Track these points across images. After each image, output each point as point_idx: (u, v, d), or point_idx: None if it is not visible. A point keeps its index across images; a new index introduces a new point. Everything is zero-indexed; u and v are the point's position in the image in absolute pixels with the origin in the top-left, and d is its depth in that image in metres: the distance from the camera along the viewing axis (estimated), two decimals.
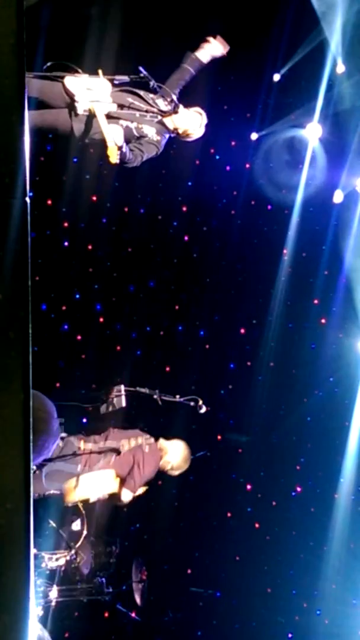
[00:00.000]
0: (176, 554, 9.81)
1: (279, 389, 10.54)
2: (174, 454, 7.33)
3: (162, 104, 6.09)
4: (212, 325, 10.66)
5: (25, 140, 2.63)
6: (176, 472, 7.40)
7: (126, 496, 7.05)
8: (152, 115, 6.01)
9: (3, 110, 2.61)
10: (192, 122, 6.21)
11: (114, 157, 5.50)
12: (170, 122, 6.13)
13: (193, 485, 10.42)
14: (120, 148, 5.60)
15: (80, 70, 5.85)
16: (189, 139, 6.36)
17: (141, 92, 6.06)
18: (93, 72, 5.88)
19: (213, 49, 6.44)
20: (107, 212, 10.04)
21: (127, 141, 5.89)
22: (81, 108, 5.77)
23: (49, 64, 5.75)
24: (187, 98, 6.37)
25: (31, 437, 2.56)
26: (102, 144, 5.58)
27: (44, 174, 9.25)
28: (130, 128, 5.95)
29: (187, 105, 6.24)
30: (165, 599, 9.83)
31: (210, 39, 6.43)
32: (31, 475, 2.54)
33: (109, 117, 5.81)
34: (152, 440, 7.27)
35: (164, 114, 6.07)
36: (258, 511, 10.38)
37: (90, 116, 5.78)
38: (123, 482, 6.95)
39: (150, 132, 6.02)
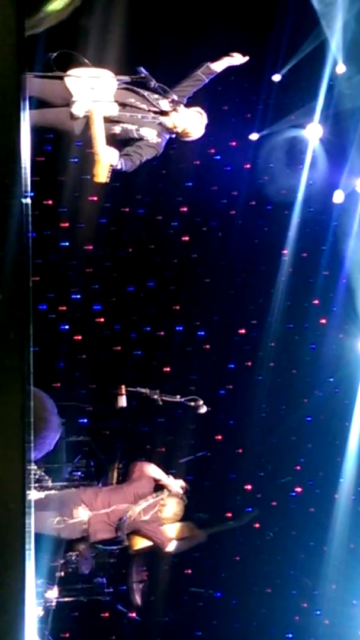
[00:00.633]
0: (176, 554, 9.80)
1: (279, 389, 10.53)
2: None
3: (165, 105, 6.09)
4: (212, 326, 10.64)
5: (25, 141, 2.64)
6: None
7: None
8: (153, 117, 6.01)
9: (3, 110, 2.61)
10: (192, 121, 6.20)
11: (103, 176, 5.47)
12: (170, 121, 6.12)
13: (193, 485, 10.40)
14: (113, 166, 5.59)
15: (86, 61, 5.83)
16: (188, 139, 6.34)
17: (145, 93, 6.06)
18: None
19: (232, 60, 6.45)
20: (106, 212, 10.03)
21: (126, 144, 5.90)
22: (82, 109, 5.76)
23: (55, 53, 5.73)
24: (187, 99, 6.37)
25: (32, 437, 2.56)
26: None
27: (43, 174, 9.24)
28: (130, 130, 5.95)
29: (187, 105, 6.23)
30: (165, 599, 9.83)
31: (234, 54, 6.42)
32: (31, 475, 2.54)
33: (110, 120, 5.81)
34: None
35: (164, 113, 6.07)
36: (258, 511, 10.36)
37: (90, 118, 5.78)
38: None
39: (151, 134, 6.01)
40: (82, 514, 7.22)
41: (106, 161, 5.56)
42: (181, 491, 7.66)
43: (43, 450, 4.49)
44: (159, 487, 8.05)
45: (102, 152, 5.53)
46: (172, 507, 7.88)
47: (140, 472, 7.90)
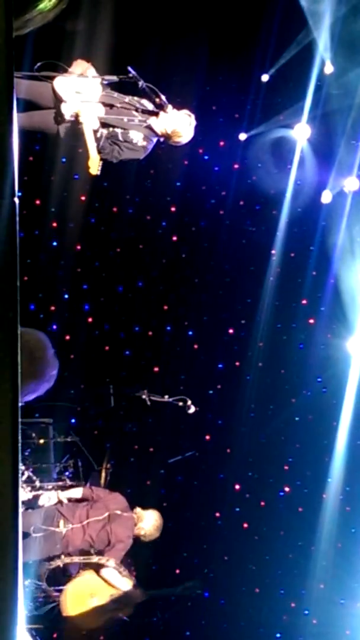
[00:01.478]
0: (164, 554, 9.80)
1: (268, 389, 10.55)
2: (148, 523, 7.68)
3: (150, 106, 6.08)
4: (201, 326, 10.66)
5: (14, 141, 2.63)
6: (147, 540, 7.76)
7: (125, 586, 7.54)
8: (140, 120, 6.01)
9: None
10: (180, 123, 6.17)
11: (94, 169, 5.53)
12: (159, 124, 6.10)
13: (181, 486, 10.42)
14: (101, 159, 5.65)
15: (69, 70, 5.85)
16: (177, 143, 6.30)
17: (128, 97, 6.06)
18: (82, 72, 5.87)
19: None
20: (95, 212, 10.03)
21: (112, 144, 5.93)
22: (69, 112, 5.77)
23: (39, 64, 5.74)
24: (176, 98, 6.36)
25: (19, 437, 2.55)
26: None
27: (32, 174, 9.24)
28: (116, 133, 5.94)
29: (176, 107, 6.22)
30: (154, 599, 9.82)
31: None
32: (19, 476, 2.54)
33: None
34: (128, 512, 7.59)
35: (152, 113, 6.05)
36: (246, 511, 10.38)
37: (77, 121, 5.79)
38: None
39: (137, 137, 6.00)
40: (61, 526, 7.30)
41: (97, 156, 5.62)
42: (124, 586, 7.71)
43: (27, 397, 4.54)
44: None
45: (90, 146, 5.59)
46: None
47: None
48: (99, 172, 5.63)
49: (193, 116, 6.24)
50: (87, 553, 7.52)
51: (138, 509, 7.71)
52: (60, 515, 7.36)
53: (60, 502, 7.43)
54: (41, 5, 4.75)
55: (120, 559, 7.49)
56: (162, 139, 6.23)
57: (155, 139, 6.15)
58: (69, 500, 7.59)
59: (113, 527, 7.45)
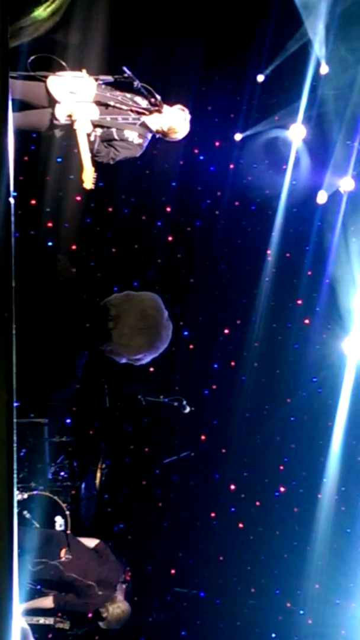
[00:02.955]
0: (160, 554, 9.80)
1: (263, 390, 10.56)
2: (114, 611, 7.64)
3: (143, 102, 6.08)
4: (196, 326, 10.65)
5: (9, 141, 2.63)
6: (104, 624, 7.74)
7: None
8: (134, 118, 6.01)
9: None
10: (176, 120, 6.19)
11: (89, 183, 5.54)
12: (154, 122, 6.11)
13: (177, 486, 10.42)
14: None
15: (65, 65, 5.84)
16: (173, 139, 6.33)
17: (127, 94, 6.06)
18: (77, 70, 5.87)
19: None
20: (91, 212, 10.02)
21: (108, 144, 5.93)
22: (64, 113, 5.76)
23: (32, 57, 5.73)
24: (171, 99, 6.37)
25: (14, 439, 2.55)
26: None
27: (28, 173, 9.23)
28: (111, 132, 5.95)
29: (170, 103, 6.23)
30: (149, 600, 9.83)
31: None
32: (14, 479, 2.54)
33: (91, 124, 5.82)
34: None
35: (147, 112, 6.06)
36: (242, 511, 10.38)
37: (72, 122, 5.79)
38: None
39: (132, 135, 6.01)
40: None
41: (91, 169, 5.62)
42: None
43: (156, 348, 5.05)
44: None
45: (86, 163, 5.59)
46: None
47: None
48: (93, 187, 5.64)
49: (187, 110, 6.25)
50: None
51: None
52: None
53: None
54: (36, 13, 4.75)
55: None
56: (157, 136, 6.24)
57: (150, 135, 6.16)
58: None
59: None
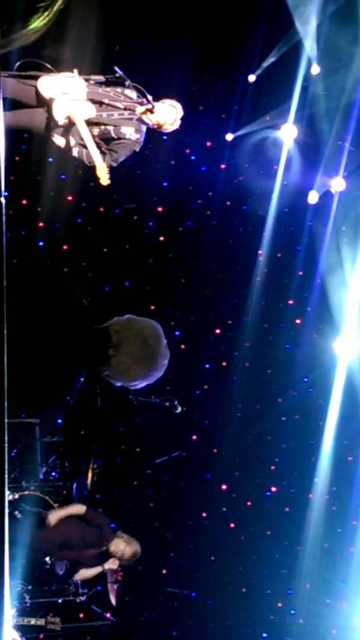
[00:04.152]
0: (151, 554, 9.80)
1: (254, 389, 10.57)
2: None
3: (134, 95, 6.07)
4: (188, 326, 10.64)
5: (0, 140, 2.62)
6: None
7: None
8: (129, 113, 6.00)
9: None
10: (168, 116, 6.19)
11: (105, 179, 5.56)
12: (148, 119, 6.11)
13: (168, 486, 10.42)
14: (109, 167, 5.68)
15: (53, 70, 5.83)
16: (168, 130, 6.33)
17: (112, 91, 6.04)
18: (68, 71, 5.85)
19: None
20: (82, 212, 10.01)
21: (105, 143, 5.91)
22: (62, 115, 5.74)
23: (19, 62, 5.72)
24: (162, 98, 6.36)
25: (5, 439, 2.55)
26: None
27: (19, 173, 9.21)
28: (108, 131, 5.93)
29: (162, 99, 6.21)
30: (141, 600, 9.83)
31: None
32: (5, 479, 2.53)
33: (89, 123, 5.80)
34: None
35: (139, 104, 6.04)
36: (233, 511, 10.39)
37: (70, 124, 5.77)
38: None
39: (129, 131, 6.00)
40: None
41: (103, 165, 5.62)
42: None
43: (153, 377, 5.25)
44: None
45: (97, 161, 5.60)
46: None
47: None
48: (109, 181, 5.66)
49: (179, 106, 6.24)
50: None
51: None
52: None
53: None
54: (33, 25, 4.71)
55: None
56: (153, 127, 6.23)
57: (145, 128, 6.15)
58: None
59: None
